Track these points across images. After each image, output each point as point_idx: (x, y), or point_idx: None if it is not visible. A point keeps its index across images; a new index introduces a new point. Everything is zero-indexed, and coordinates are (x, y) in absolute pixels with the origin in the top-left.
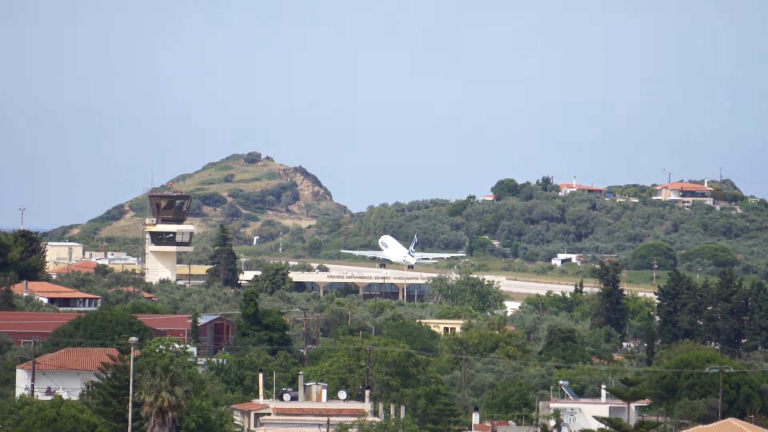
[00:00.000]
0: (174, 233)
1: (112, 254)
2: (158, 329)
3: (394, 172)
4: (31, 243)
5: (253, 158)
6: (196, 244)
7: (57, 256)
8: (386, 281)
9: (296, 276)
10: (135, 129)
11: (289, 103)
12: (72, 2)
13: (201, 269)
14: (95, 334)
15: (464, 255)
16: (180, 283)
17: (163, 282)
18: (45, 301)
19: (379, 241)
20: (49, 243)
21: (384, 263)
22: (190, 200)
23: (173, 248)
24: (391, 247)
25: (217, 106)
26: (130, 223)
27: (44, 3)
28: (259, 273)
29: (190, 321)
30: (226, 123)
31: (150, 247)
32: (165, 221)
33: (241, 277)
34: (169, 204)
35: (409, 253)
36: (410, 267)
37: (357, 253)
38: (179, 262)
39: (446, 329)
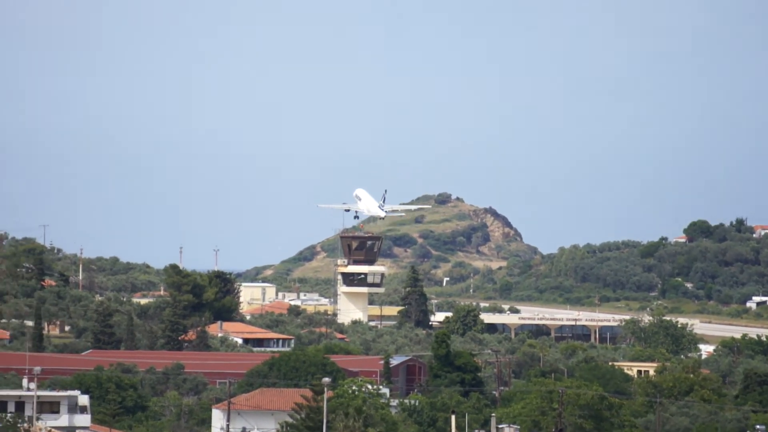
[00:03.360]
0: (365, 274)
1: (305, 295)
2: (351, 370)
3: (586, 213)
4: (225, 284)
5: (443, 199)
6: (388, 285)
7: (251, 296)
8: (578, 323)
9: (487, 317)
10: (327, 170)
11: (479, 143)
12: (251, 38)
13: (392, 310)
14: (289, 375)
15: (429, 206)
16: (372, 323)
17: (355, 323)
18: (239, 341)
19: (353, 194)
20: (243, 284)
21: (357, 215)
22: (381, 241)
23: (365, 289)
24: (364, 200)
25: (408, 147)
26: (322, 264)
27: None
28: (450, 314)
29: (382, 362)
30: (417, 164)
31: (342, 288)
32: (356, 262)
33: (432, 318)
34: (360, 245)
35: (379, 206)
36: (381, 218)
37: (332, 206)
38: (371, 302)
39: (639, 372)
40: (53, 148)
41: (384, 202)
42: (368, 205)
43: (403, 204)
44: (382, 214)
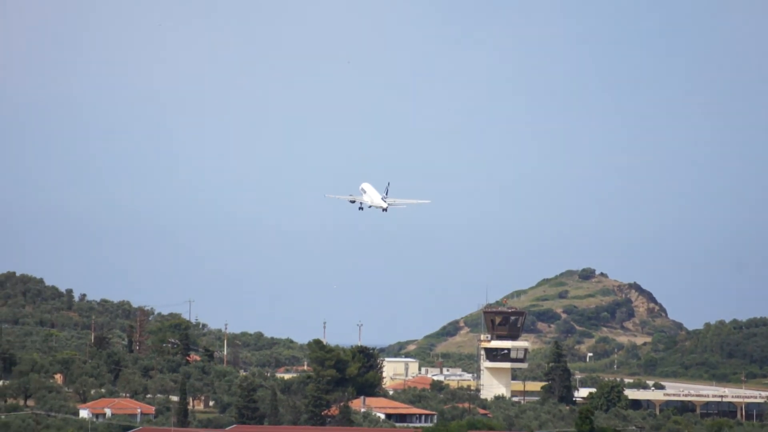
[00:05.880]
0: (509, 349)
1: (448, 370)
2: None
3: (732, 289)
4: (368, 359)
5: (587, 274)
6: (531, 360)
7: (394, 371)
8: (724, 399)
9: (631, 393)
10: (470, 245)
11: (622, 219)
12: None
13: (536, 386)
14: None
15: (428, 201)
16: (515, 399)
17: (498, 398)
18: (382, 416)
19: (359, 187)
20: (386, 359)
21: (362, 206)
22: (524, 316)
23: (508, 364)
24: (369, 193)
25: (552, 222)
26: (465, 339)
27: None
28: (593, 390)
29: None
30: (561, 239)
31: (485, 363)
32: (500, 337)
33: (575, 393)
34: (504, 320)
35: (382, 198)
36: (384, 210)
37: (339, 196)
38: (514, 378)
39: None
40: (198, 225)
41: (387, 194)
42: (372, 197)
43: (547, 279)
44: (385, 205)
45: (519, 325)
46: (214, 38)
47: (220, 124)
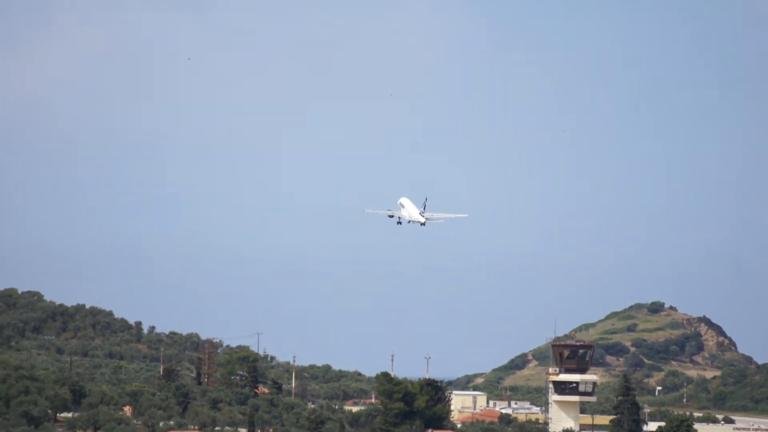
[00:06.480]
0: (577, 383)
1: (516, 403)
2: None
3: None
4: (436, 392)
5: (656, 308)
6: (600, 393)
7: (462, 404)
8: None
9: (701, 428)
10: (539, 279)
11: (692, 252)
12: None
13: (604, 419)
14: None
15: (464, 215)
16: None
17: None
18: None
19: (398, 202)
20: (454, 392)
21: (400, 221)
22: (593, 350)
23: (576, 398)
24: (407, 207)
25: (621, 255)
26: (533, 372)
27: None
28: (662, 424)
29: None
30: (630, 272)
31: (553, 397)
32: (568, 371)
33: (644, 427)
34: (572, 353)
35: (420, 213)
36: (422, 224)
37: (378, 211)
38: (582, 411)
39: None
40: (267, 258)
41: (424, 209)
42: (410, 212)
43: (615, 312)
44: (423, 219)
45: (587, 359)
46: (258, 66)
47: (282, 156)
